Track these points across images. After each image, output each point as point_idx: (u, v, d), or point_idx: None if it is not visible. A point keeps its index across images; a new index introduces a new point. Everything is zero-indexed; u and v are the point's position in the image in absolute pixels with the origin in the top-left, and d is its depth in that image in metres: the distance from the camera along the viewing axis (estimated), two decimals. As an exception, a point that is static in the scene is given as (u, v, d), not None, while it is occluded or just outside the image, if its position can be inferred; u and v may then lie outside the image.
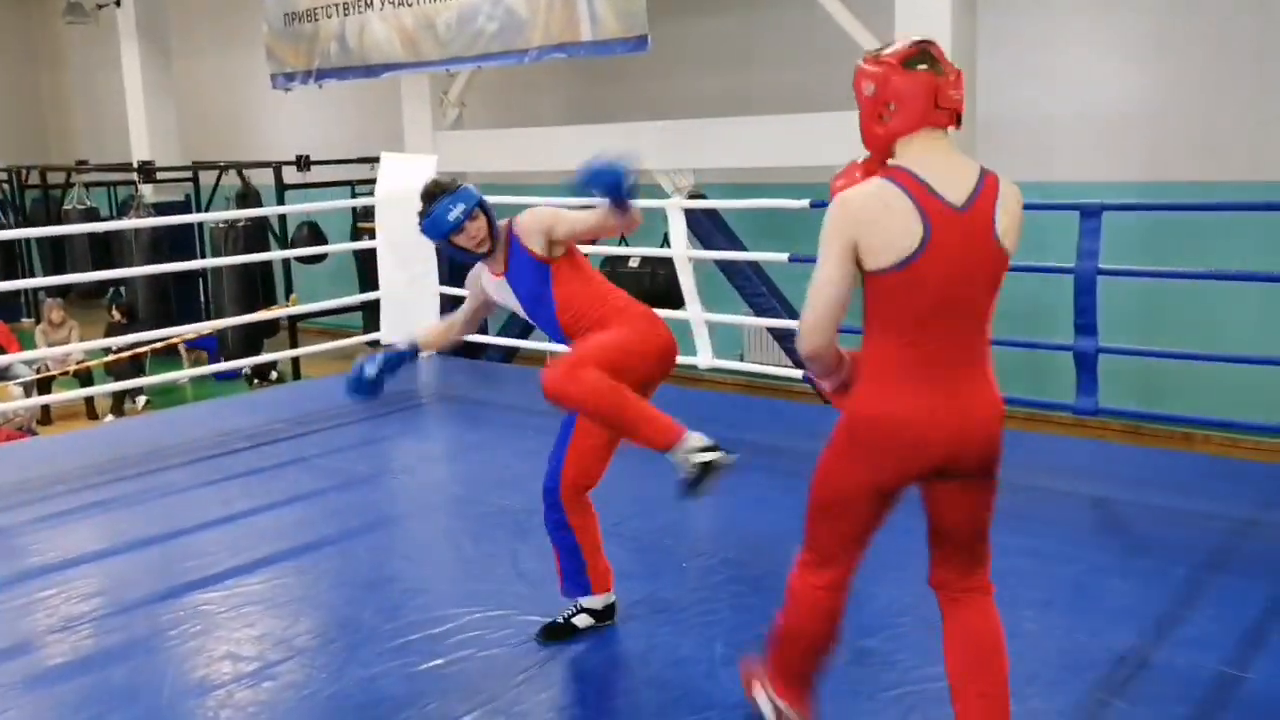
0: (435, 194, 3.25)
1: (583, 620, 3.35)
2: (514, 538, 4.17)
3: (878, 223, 2.25)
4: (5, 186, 14.46)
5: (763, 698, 2.68)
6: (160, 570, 3.99)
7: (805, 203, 5.69)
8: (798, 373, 6.05)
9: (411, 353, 3.47)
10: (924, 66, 2.31)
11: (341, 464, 5.34)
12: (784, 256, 5.94)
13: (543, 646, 3.28)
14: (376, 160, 7.33)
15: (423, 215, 3.26)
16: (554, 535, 3.29)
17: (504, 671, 3.15)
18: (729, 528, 4.32)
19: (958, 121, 2.33)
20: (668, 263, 7.01)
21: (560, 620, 3.35)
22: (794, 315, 7.74)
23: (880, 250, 2.25)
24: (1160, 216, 7.48)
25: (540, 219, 3.22)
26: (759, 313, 7.72)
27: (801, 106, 8.03)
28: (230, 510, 4.67)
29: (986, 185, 2.32)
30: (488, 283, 3.39)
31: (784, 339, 7.90)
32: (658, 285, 7.87)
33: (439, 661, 3.21)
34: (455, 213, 3.21)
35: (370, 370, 3.36)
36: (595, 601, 3.36)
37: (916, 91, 2.30)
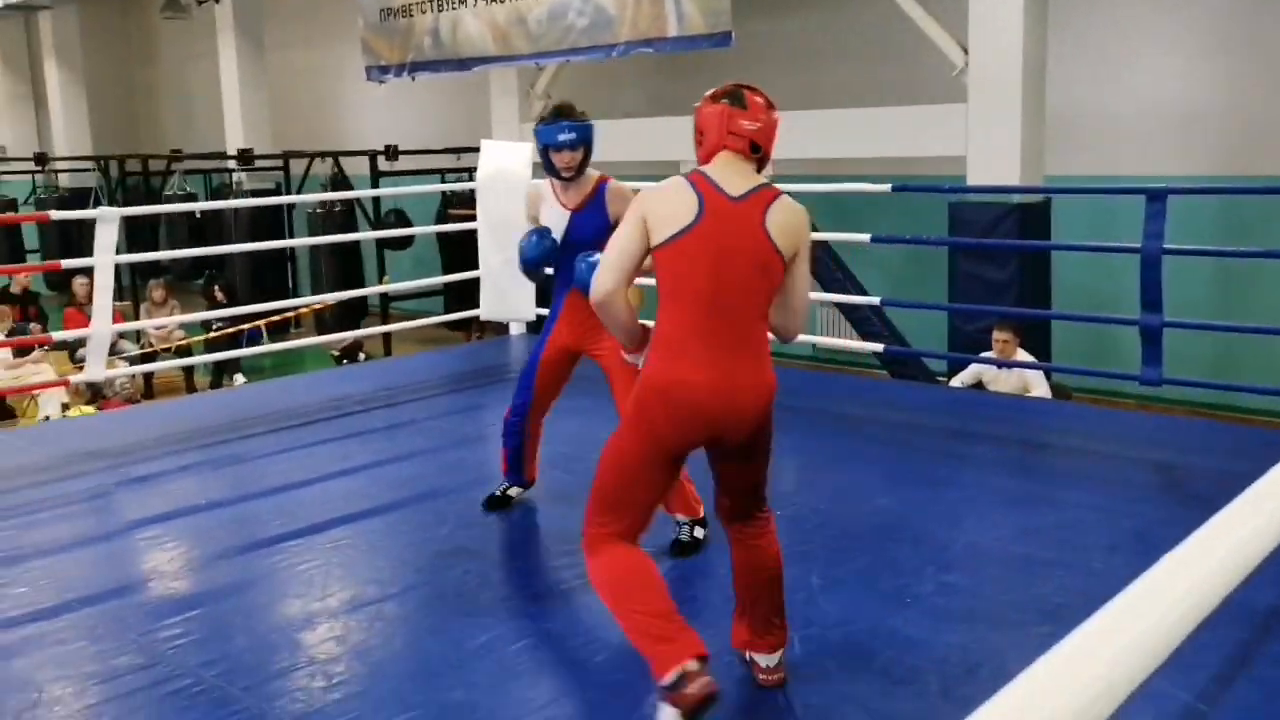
0: (561, 112, 3.80)
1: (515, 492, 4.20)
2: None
3: (666, 202, 2.66)
4: (106, 175, 15.17)
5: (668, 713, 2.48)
6: (290, 514, 4.32)
7: (887, 186, 6.00)
8: (875, 346, 6.38)
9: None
10: (725, 101, 2.73)
11: (448, 426, 5.76)
12: (866, 237, 6.26)
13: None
14: (463, 151, 7.77)
15: (543, 120, 3.79)
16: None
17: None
18: (811, 482, 4.67)
19: (755, 150, 2.71)
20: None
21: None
22: (864, 294, 8.08)
23: (664, 221, 2.64)
24: (1232, 207, 7.70)
25: (625, 201, 3.61)
26: (831, 293, 8.04)
27: (879, 101, 8.35)
28: (350, 464, 5.06)
29: (764, 191, 2.69)
30: (548, 207, 3.95)
31: (858, 319, 8.23)
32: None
33: (556, 600, 3.60)
34: (566, 136, 3.75)
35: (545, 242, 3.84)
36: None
37: (713, 122, 2.73)
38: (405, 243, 11.79)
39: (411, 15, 9.66)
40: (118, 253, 6.07)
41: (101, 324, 5.99)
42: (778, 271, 2.67)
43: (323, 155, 11.87)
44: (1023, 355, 6.56)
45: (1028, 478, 4.70)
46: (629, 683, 2.84)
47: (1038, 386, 6.59)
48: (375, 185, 11.11)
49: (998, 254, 7.22)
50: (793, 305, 2.78)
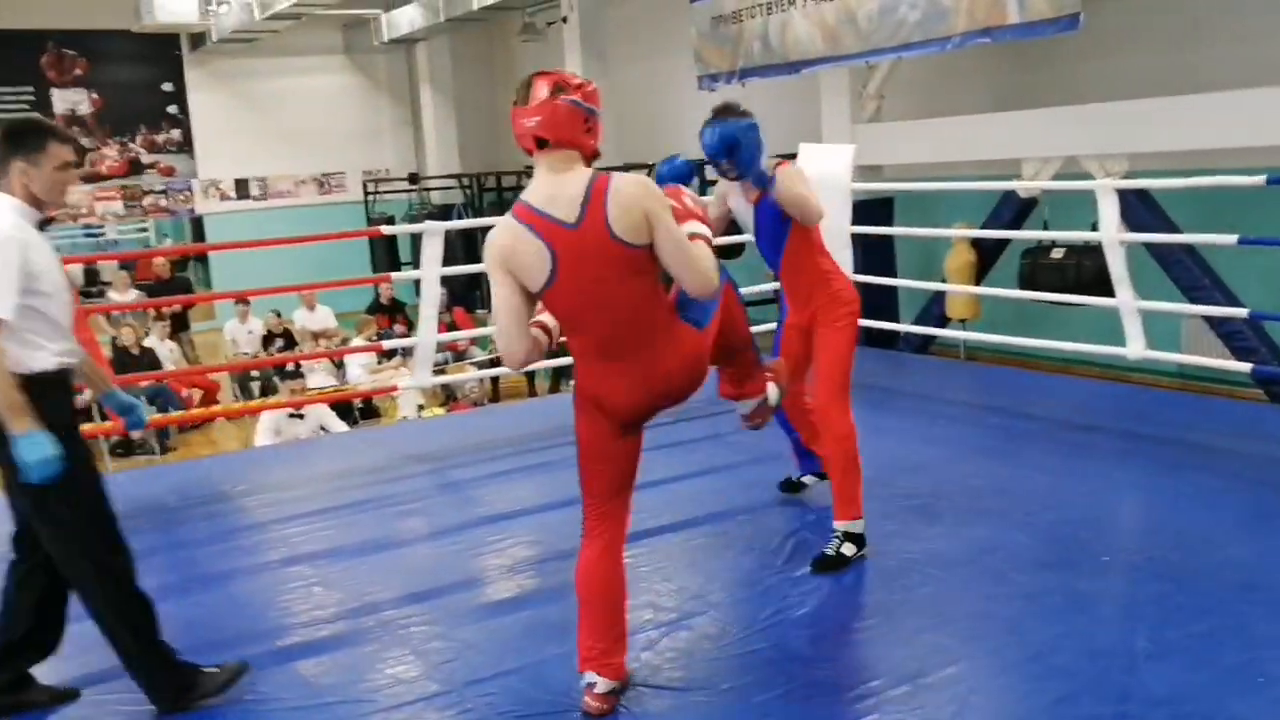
0: (714, 112, 3.84)
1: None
2: (920, 520, 4.13)
3: (516, 255, 2.63)
4: (468, 192, 16.28)
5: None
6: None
7: (1261, 179, 5.11)
8: (1241, 366, 5.49)
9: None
10: (515, 101, 2.66)
11: (753, 440, 5.48)
12: (1233, 239, 5.39)
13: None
14: (790, 157, 7.48)
15: (727, 115, 3.76)
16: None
17: (903, 642, 3.14)
18: (1159, 526, 4.02)
19: (541, 145, 2.62)
20: (1094, 252, 6.60)
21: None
22: (1236, 304, 7.03)
23: (529, 279, 2.64)
24: None
25: (793, 181, 3.79)
26: (1197, 303, 7.06)
27: (1257, 82, 7.27)
28: (650, 477, 4.95)
29: (595, 192, 2.59)
30: (735, 199, 3.98)
31: (1228, 333, 7.19)
32: (1084, 275, 7.44)
33: (854, 627, 3.26)
34: (706, 141, 3.79)
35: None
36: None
37: (515, 126, 2.66)
38: (738, 251, 11.68)
39: (741, 20, 9.53)
40: (479, 263, 6.39)
41: (427, 333, 6.27)
42: (643, 259, 2.64)
43: (654, 167, 12.02)
44: None
45: None
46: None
47: None
48: (703, 193, 11.08)
49: None
50: (677, 270, 2.67)
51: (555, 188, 2.63)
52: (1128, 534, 4.06)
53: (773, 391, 3.27)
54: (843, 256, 6.61)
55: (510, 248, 2.64)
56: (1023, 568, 3.60)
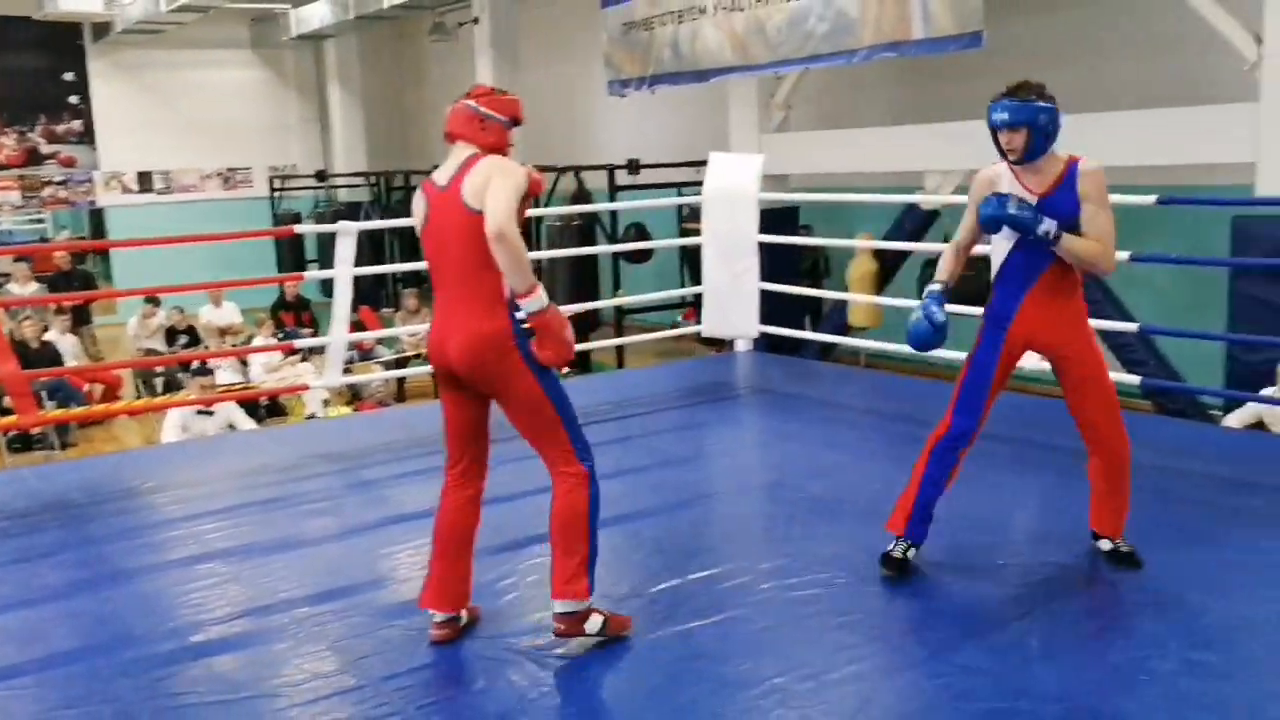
0: (1007, 90, 3.47)
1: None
2: (824, 522, 4.23)
3: (414, 210, 3.28)
4: (375, 190, 16.09)
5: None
6: (498, 527, 4.30)
7: (1151, 199, 5.34)
8: (1131, 378, 5.72)
9: (946, 292, 3.72)
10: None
11: (661, 445, 5.58)
12: (1125, 255, 5.62)
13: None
14: (702, 164, 7.58)
15: (1026, 96, 3.44)
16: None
17: (809, 641, 3.23)
18: (1052, 531, 4.17)
19: (450, 137, 3.21)
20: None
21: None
22: (1129, 319, 7.32)
23: (417, 225, 3.25)
24: None
25: (1100, 188, 3.49)
26: (1091, 317, 7.32)
27: (1148, 103, 7.59)
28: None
29: (464, 166, 3.12)
30: (1007, 187, 3.54)
31: (1119, 346, 7.48)
32: (983, 287, 7.64)
33: (760, 625, 3.33)
34: (999, 116, 3.43)
35: (938, 316, 3.63)
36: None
37: None
38: (646, 256, 11.78)
39: (652, 28, 9.62)
40: (383, 263, 6.30)
41: (337, 333, 6.20)
42: (483, 228, 3.00)
43: (565, 170, 12.04)
44: (1315, 391, 5.72)
45: (1312, 537, 4.00)
46: None
47: (1333, 428, 5.73)
48: (612, 198, 11.15)
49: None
50: (488, 218, 3.01)
51: (446, 165, 3.20)
52: (1023, 538, 4.21)
53: (594, 624, 3.20)
54: (750, 264, 6.72)
55: (415, 204, 3.30)
56: (923, 570, 3.72)
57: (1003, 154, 3.51)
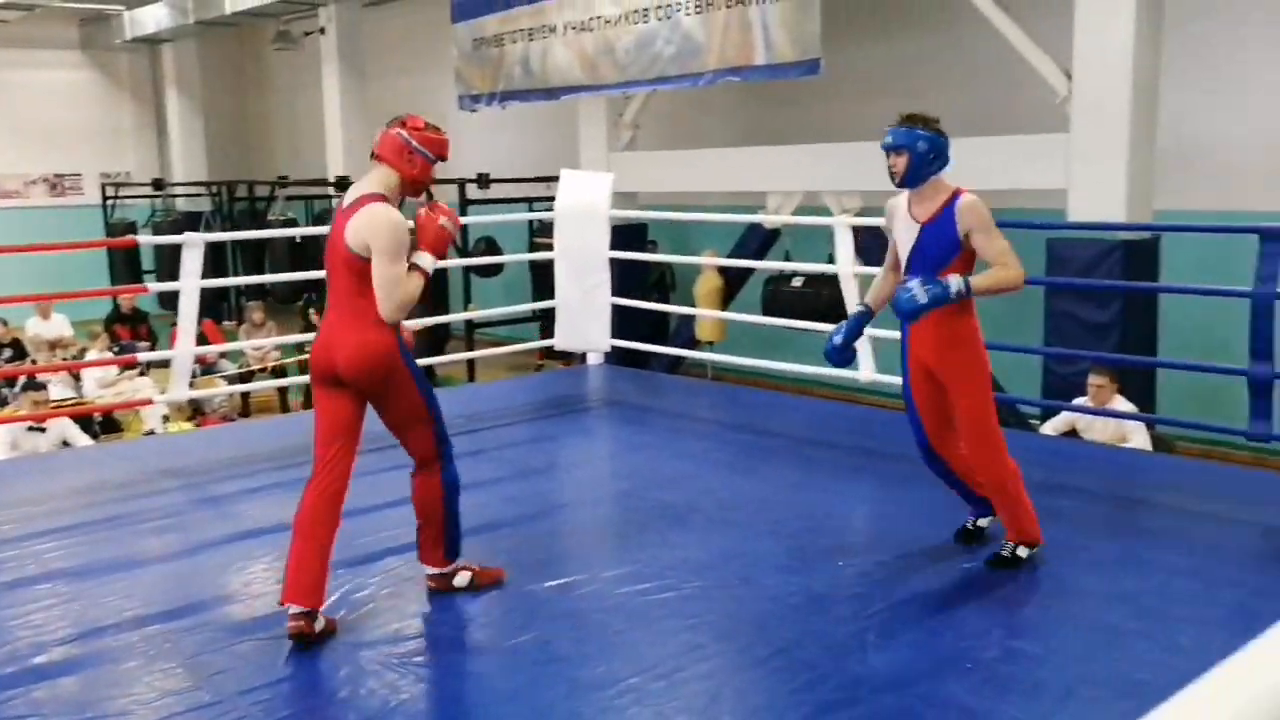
0: (900, 119, 3.82)
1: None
2: (674, 529, 4.39)
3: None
4: (216, 200, 15.64)
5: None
6: (353, 540, 4.29)
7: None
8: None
9: (867, 315, 3.98)
10: None
11: (515, 457, 5.66)
12: (949, 275, 5.97)
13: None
14: (553, 179, 7.72)
15: (912, 124, 3.76)
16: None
17: (661, 642, 3.36)
18: (886, 534, 4.42)
19: (375, 157, 3.46)
20: (831, 282, 7.13)
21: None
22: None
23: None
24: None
25: (980, 219, 3.70)
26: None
27: (972, 131, 8.06)
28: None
29: (358, 203, 3.36)
30: (899, 221, 3.85)
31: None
32: (821, 303, 8.00)
33: (614, 629, 3.45)
34: (887, 141, 3.76)
35: (836, 339, 3.94)
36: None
37: None
38: (496, 270, 11.81)
39: (503, 44, 9.71)
40: (226, 275, 6.19)
41: (184, 346, 6.07)
42: (355, 264, 3.33)
43: (418, 183, 11.98)
44: (1121, 402, 6.19)
45: (1118, 537, 4.36)
46: None
47: (1136, 436, 6.19)
48: (463, 213, 11.16)
49: (1099, 294, 6.85)
50: (376, 293, 3.33)
51: (358, 186, 3.46)
52: (860, 541, 4.46)
53: (462, 579, 3.73)
54: (602, 279, 6.86)
55: None
56: (767, 572, 3.91)
57: (891, 176, 3.80)
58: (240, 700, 3.03)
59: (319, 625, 3.37)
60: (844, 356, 4.01)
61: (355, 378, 3.38)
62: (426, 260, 3.43)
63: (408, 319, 4.10)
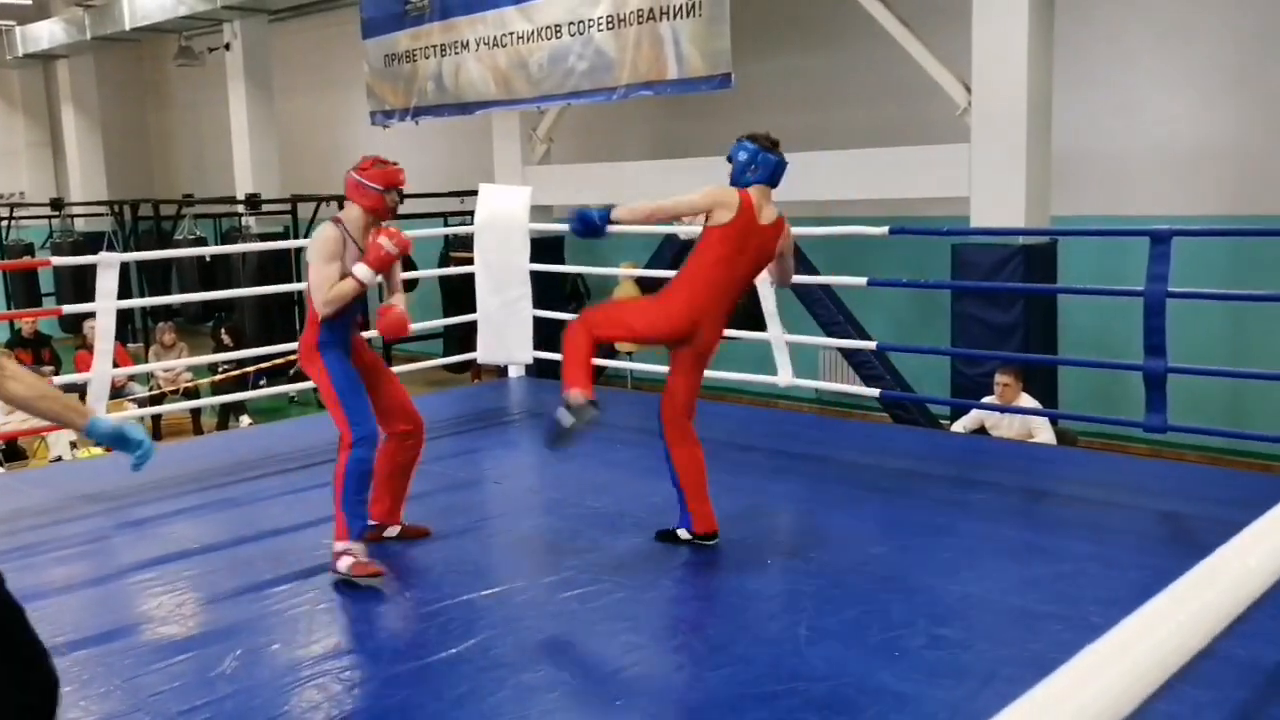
0: (748, 136, 4.34)
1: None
2: (607, 534, 4.47)
3: None
4: (119, 220, 15.28)
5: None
6: (281, 557, 4.31)
7: (884, 230, 5.92)
8: (871, 391, 6.28)
9: (606, 213, 4.38)
10: None
11: (442, 470, 5.67)
12: (863, 280, 6.18)
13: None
14: (467, 194, 7.77)
15: (771, 150, 4.25)
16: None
17: (601, 644, 3.44)
18: (810, 530, 4.58)
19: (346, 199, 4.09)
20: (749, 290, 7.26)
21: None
22: (866, 337, 7.99)
23: None
24: (1244, 248, 7.60)
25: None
26: (834, 337, 7.97)
27: (879, 142, 8.31)
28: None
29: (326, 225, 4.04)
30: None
31: (859, 363, 8.13)
32: (738, 311, 8.14)
33: (554, 633, 3.52)
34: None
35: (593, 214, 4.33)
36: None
37: None
38: (408, 285, 11.75)
39: (415, 60, 9.71)
40: (131, 296, 6.10)
41: (102, 367, 5.97)
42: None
43: (328, 199, 11.90)
44: (1026, 399, 6.45)
45: (1028, 527, 4.57)
46: None
47: (1041, 432, 6.46)
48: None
49: (1002, 297, 7.12)
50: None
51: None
52: (785, 539, 4.60)
53: (343, 564, 3.97)
54: (523, 292, 6.93)
55: None
56: (699, 572, 4.02)
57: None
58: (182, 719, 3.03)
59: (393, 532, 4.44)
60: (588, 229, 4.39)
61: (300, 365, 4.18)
62: (361, 270, 3.96)
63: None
